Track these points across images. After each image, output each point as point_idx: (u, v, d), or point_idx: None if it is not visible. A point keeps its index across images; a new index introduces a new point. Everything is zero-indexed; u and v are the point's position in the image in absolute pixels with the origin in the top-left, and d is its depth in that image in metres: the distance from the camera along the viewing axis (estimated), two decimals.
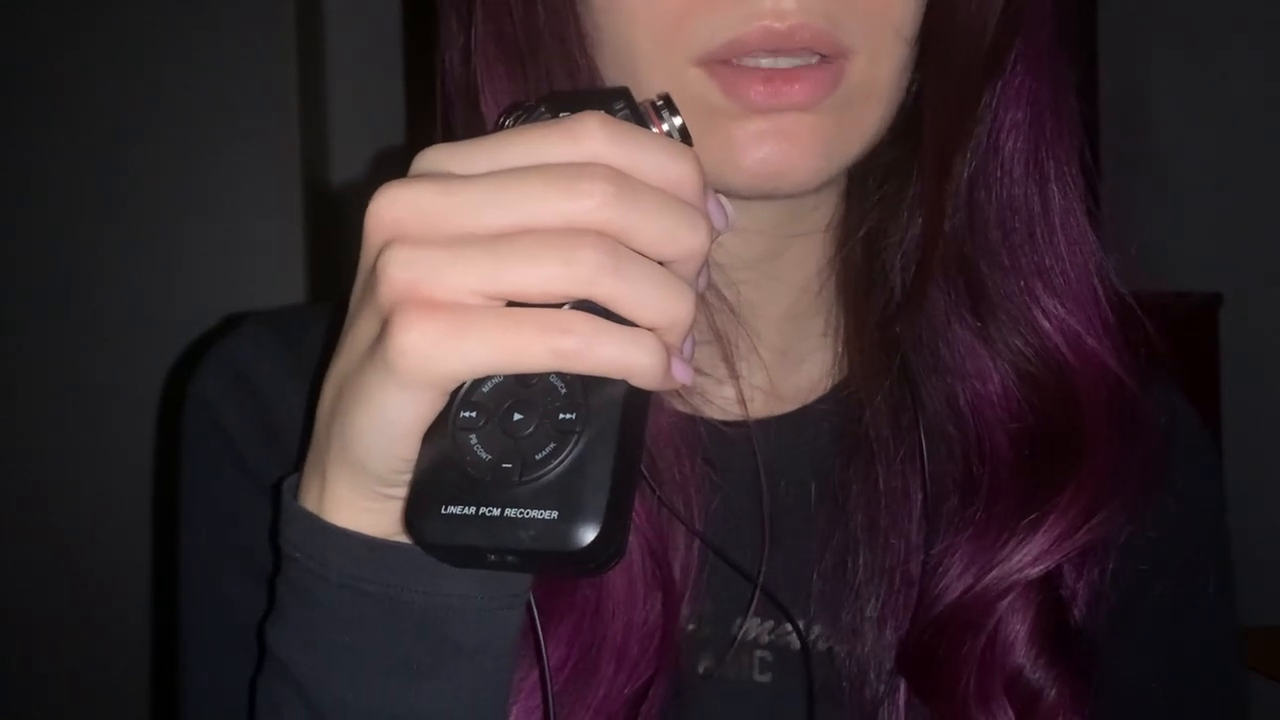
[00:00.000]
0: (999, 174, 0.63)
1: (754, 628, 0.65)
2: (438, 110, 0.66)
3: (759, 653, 0.64)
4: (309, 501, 0.50)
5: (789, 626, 0.64)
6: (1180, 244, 2.25)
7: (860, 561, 0.64)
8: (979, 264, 0.63)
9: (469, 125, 0.64)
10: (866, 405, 0.65)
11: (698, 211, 0.45)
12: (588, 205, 0.43)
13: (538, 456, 0.44)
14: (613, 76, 0.60)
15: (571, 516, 0.43)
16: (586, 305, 0.44)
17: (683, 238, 0.45)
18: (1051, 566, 0.61)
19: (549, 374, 0.44)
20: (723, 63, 0.56)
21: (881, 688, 0.63)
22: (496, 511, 0.43)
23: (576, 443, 0.44)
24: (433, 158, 0.47)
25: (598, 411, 0.44)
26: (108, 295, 1.55)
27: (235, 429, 0.65)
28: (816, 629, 0.64)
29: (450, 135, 0.66)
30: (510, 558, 0.44)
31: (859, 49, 0.57)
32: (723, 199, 0.49)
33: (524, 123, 0.49)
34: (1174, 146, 2.39)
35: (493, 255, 0.43)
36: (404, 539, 0.49)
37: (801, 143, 0.56)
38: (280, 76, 1.59)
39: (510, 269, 0.43)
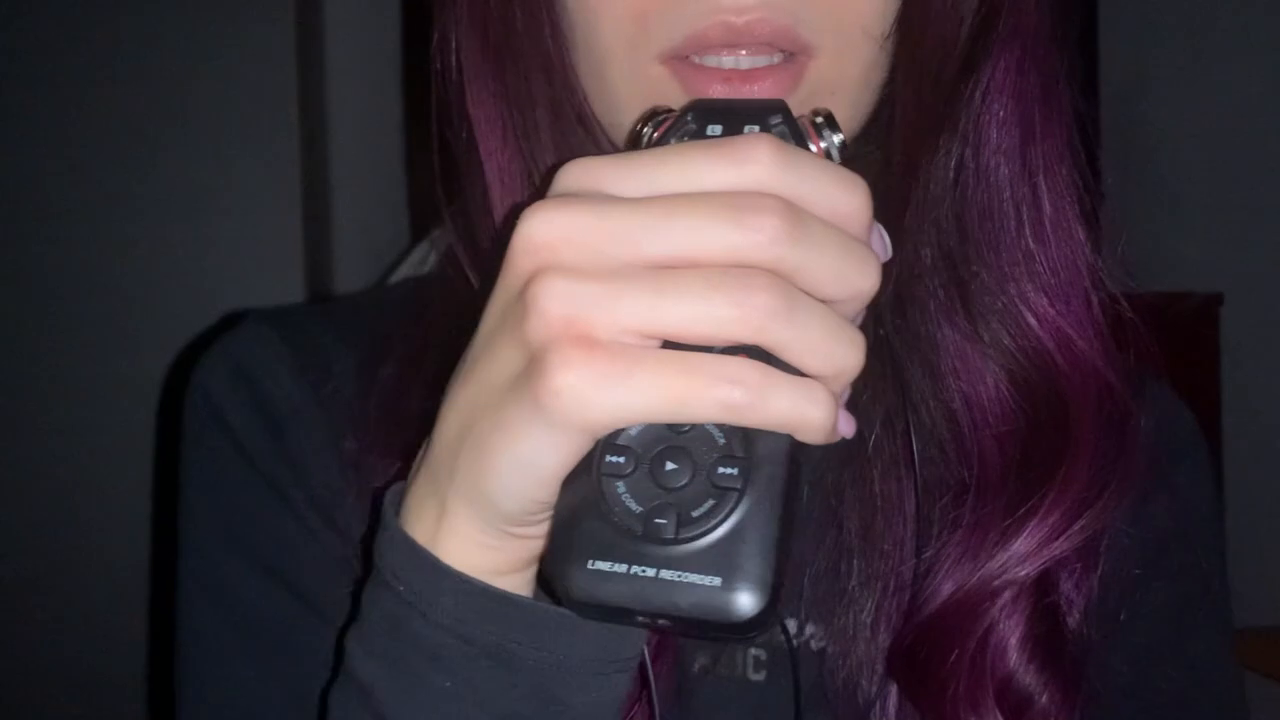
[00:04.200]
0: (985, 169, 0.62)
1: None
2: (432, 112, 0.67)
3: (754, 651, 0.64)
4: (420, 531, 0.47)
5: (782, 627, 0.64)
6: (1180, 244, 2.25)
7: (854, 566, 0.64)
8: (969, 263, 0.63)
9: (462, 127, 0.64)
10: (860, 409, 0.65)
11: (868, 249, 0.42)
12: (758, 240, 0.40)
13: (695, 514, 0.41)
14: (585, 75, 0.60)
15: (736, 584, 0.40)
16: (742, 347, 0.40)
17: (853, 278, 0.42)
18: (1037, 571, 0.61)
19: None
20: (684, 60, 0.56)
21: (873, 690, 0.63)
22: (651, 572, 0.40)
23: (739, 501, 0.40)
24: (580, 175, 0.44)
25: (760, 467, 0.41)
26: (106, 294, 1.55)
27: (238, 424, 0.65)
28: (811, 629, 0.64)
29: (444, 138, 0.66)
30: (662, 621, 0.41)
31: (823, 46, 0.56)
32: (881, 228, 0.46)
33: (669, 133, 0.46)
34: (1174, 146, 2.38)
35: (657, 293, 0.40)
36: (517, 580, 0.47)
37: None
38: (280, 77, 1.59)
39: (676, 309, 0.40)
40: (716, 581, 0.40)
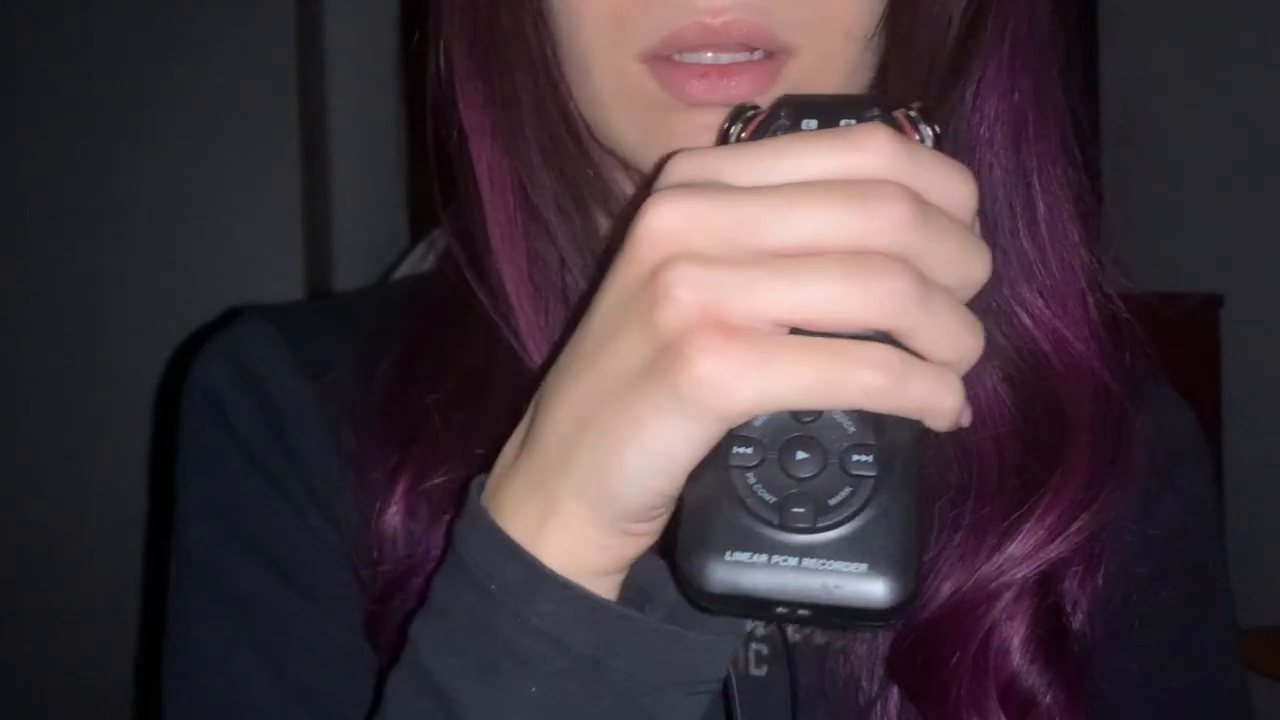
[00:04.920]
0: (977, 169, 0.62)
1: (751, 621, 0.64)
2: (426, 113, 0.67)
3: (755, 646, 0.64)
4: (519, 528, 0.45)
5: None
6: (1180, 245, 2.25)
7: None
8: None
9: (454, 127, 0.65)
10: None
11: (979, 237, 0.43)
12: (885, 227, 0.40)
13: (832, 502, 0.40)
14: (569, 74, 0.61)
15: (881, 571, 0.40)
16: (864, 335, 0.40)
17: (971, 266, 0.42)
18: (1035, 572, 0.61)
19: (831, 409, 0.41)
20: (664, 59, 0.56)
21: (874, 689, 0.62)
22: (793, 561, 0.40)
23: (876, 488, 0.40)
24: (694, 165, 0.43)
25: (893, 453, 0.41)
26: (107, 293, 1.56)
27: (238, 417, 0.65)
28: None
29: (439, 139, 0.67)
30: (803, 611, 0.41)
31: (802, 46, 0.56)
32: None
33: (761, 129, 0.46)
34: (1174, 146, 2.38)
35: (795, 279, 0.40)
36: (610, 583, 0.45)
37: None
38: (280, 76, 1.59)
39: (813, 295, 0.40)
40: (862, 568, 0.40)
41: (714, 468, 0.42)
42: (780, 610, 0.41)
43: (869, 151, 0.41)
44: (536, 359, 0.63)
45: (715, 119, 0.55)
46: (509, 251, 0.64)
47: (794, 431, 0.41)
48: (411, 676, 0.48)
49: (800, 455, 0.41)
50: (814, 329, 0.40)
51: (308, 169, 1.63)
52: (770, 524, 0.41)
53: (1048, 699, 0.60)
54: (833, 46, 0.57)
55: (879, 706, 0.62)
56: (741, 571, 0.40)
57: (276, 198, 1.59)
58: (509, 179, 0.64)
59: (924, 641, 0.61)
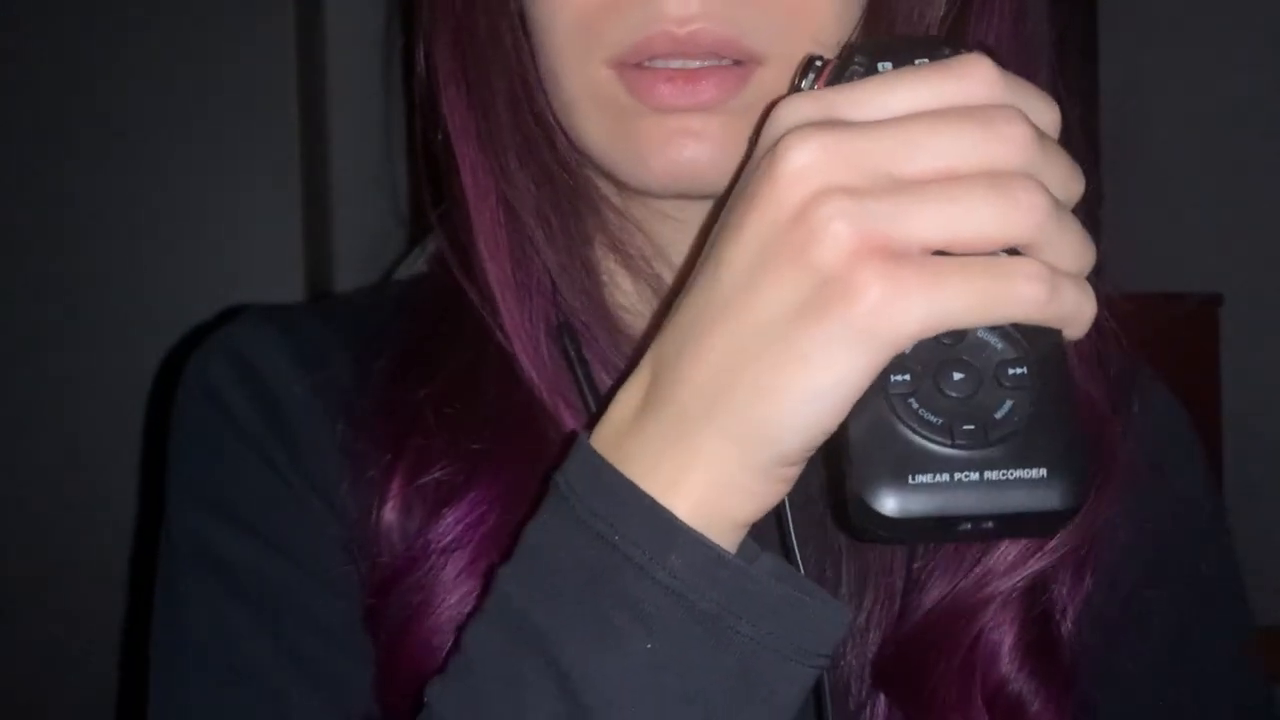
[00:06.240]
0: None
1: None
2: (416, 115, 0.68)
3: None
4: (652, 481, 0.44)
5: None
6: (1180, 244, 2.25)
7: (844, 570, 0.64)
8: None
9: (439, 129, 0.66)
10: None
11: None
12: (1012, 149, 0.41)
13: (998, 415, 0.42)
14: (543, 77, 0.62)
15: (1060, 473, 0.41)
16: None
17: (1076, 183, 0.43)
18: (1024, 580, 0.61)
19: (974, 329, 0.42)
20: (632, 65, 0.57)
21: (863, 694, 0.63)
22: (975, 475, 0.41)
23: (1036, 397, 0.42)
24: (810, 106, 0.44)
25: (1043, 362, 0.42)
26: (106, 291, 1.56)
27: (238, 409, 0.65)
28: None
29: (428, 139, 0.67)
30: (989, 524, 0.42)
31: (771, 55, 0.57)
32: None
33: (836, 76, 0.46)
34: (1174, 146, 2.38)
35: (948, 203, 0.41)
36: (736, 538, 0.45)
37: (708, 143, 0.56)
38: (280, 77, 1.59)
39: (965, 215, 0.41)
40: (1042, 473, 0.41)
41: (872, 399, 0.42)
42: (964, 527, 0.42)
43: (976, 80, 0.42)
44: (522, 357, 0.64)
45: (683, 125, 0.56)
46: (493, 252, 0.65)
47: (943, 354, 0.42)
48: (505, 629, 0.47)
49: (956, 375, 0.42)
50: (960, 250, 0.41)
51: (308, 169, 1.64)
52: (944, 444, 0.41)
53: (1036, 705, 0.61)
54: (800, 54, 0.57)
55: (868, 711, 0.62)
56: (928, 493, 0.41)
57: (276, 198, 1.59)
58: (490, 179, 0.65)
59: (909, 650, 0.61)
